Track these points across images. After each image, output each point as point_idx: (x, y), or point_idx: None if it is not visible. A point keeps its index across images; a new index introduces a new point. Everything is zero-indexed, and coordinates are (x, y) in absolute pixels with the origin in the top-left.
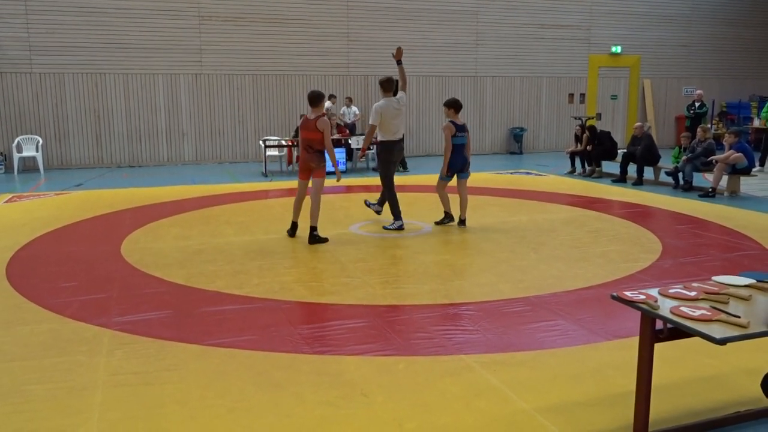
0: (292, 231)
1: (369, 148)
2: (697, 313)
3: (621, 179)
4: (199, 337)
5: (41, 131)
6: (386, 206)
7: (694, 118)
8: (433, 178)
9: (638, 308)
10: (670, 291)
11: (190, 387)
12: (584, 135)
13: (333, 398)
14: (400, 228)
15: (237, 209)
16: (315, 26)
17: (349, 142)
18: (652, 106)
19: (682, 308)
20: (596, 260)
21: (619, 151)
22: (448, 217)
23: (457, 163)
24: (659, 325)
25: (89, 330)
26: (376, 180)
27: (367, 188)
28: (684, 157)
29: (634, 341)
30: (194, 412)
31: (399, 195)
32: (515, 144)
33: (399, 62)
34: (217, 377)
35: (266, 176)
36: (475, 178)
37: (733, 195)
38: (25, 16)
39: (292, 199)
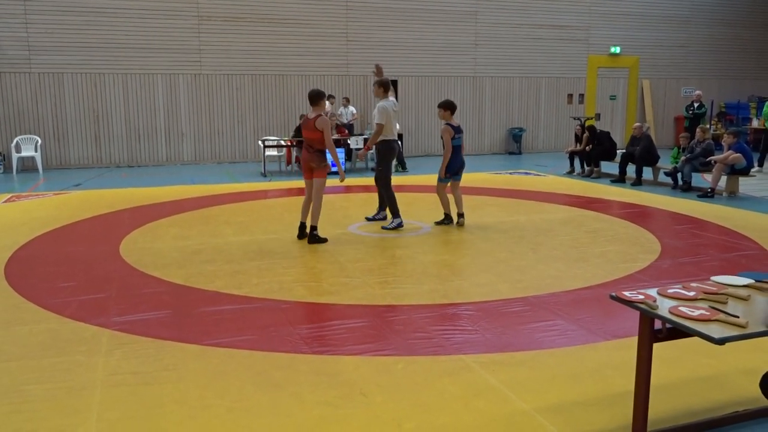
0: (301, 233)
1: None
2: (696, 313)
3: (620, 179)
4: (198, 337)
5: (40, 131)
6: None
7: (692, 119)
8: (432, 179)
9: (637, 308)
10: (669, 291)
11: (189, 387)
12: (584, 135)
13: (332, 398)
14: (400, 226)
15: (236, 209)
16: (314, 26)
17: (348, 142)
18: (651, 106)
19: (680, 308)
20: (595, 260)
21: (618, 151)
22: (447, 218)
23: (456, 165)
24: (658, 325)
25: (88, 330)
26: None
27: (366, 188)
28: (683, 158)
29: (633, 341)
30: (193, 412)
31: (398, 195)
32: (514, 144)
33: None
34: (215, 377)
35: (265, 176)
36: (474, 179)
37: (732, 195)
38: (24, 16)
39: (291, 199)
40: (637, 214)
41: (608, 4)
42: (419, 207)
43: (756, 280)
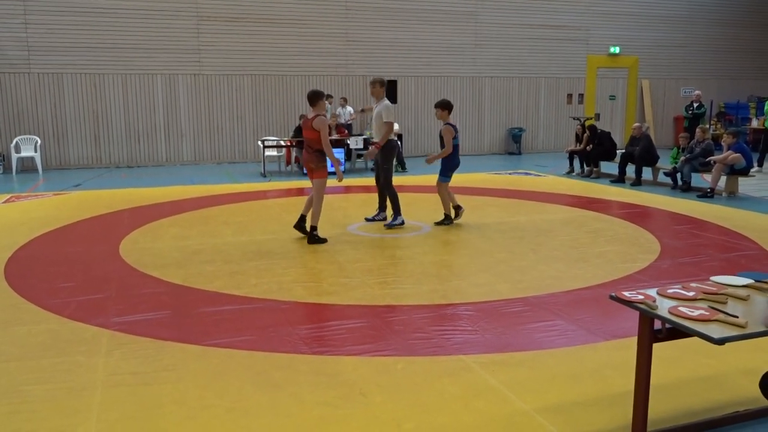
0: (298, 223)
1: (366, 147)
2: (696, 313)
3: (619, 180)
4: (198, 338)
5: (40, 131)
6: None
7: (692, 119)
8: (431, 179)
9: (637, 308)
10: (669, 291)
11: (189, 387)
12: (585, 135)
13: (331, 398)
14: (402, 224)
15: (235, 209)
16: (313, 26)
17: (348, 142)
18: (650, 106)
19: (680, 308)
20: (595, 260)
21: (617, 151)
22: (447, 218)
23: (456, 163)
24: (658, 325)
25: (88, 330)
26: (374, 180)
27: (366, 189)
28: (682, 158)
29: (633, 341)
30: (192, 413)
31: (398, 195)
32: (514, 144)
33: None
34: (215, 377)
35: (265, 176)
36: (473, 179)
37: (732, 195)
38: (23, 16)
39: (290, 200)
40: (637, 215)
41: (607, 4)
42: (419, 207)
43: (755, 280)
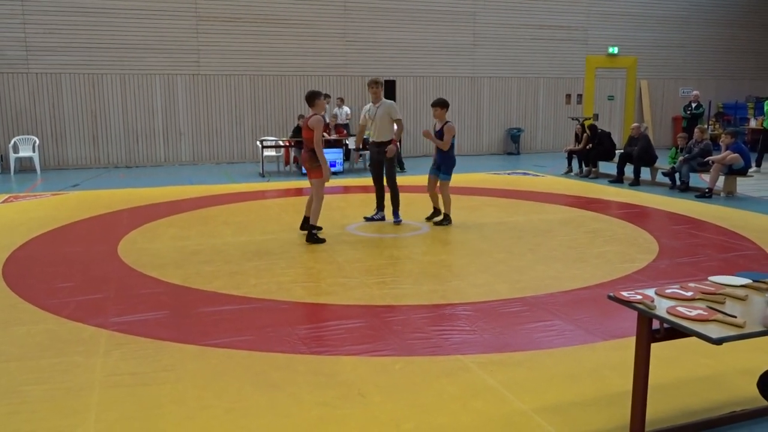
0: (303, 226)
1: (365, 147)
2: (694, 313)
3: (618, 180)
4: (197, 338)
5: (38, 131)
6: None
7: (690, 119)
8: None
9: (635, 308)
10: (667, 291)
11: (187, 387)
12: (584, 134)
13: (330, 398)
14: (382, 219)
15: (234, 210)
16: (312, 27)
17: (346, 142)
18: (649, 106)
19: (678, 308)
20: (593, 261)
21: (616, 151)
22: (447, 218)
23: (455, 162)
24: (656, 325)
25: (86, 330)
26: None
27: (364, 189)
28: (681, 158)
29: (631, 341)
30: (191, 413)
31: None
32: (512, 144)
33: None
34: (214, 378)
35: (263, 177)
36: (472, 179)
37: (730, 195)
38: (22, 16)
39: (289, 200)
40: (635, 215)
41: (606, 5)
42: (418, 207)
43: (753, 280)
